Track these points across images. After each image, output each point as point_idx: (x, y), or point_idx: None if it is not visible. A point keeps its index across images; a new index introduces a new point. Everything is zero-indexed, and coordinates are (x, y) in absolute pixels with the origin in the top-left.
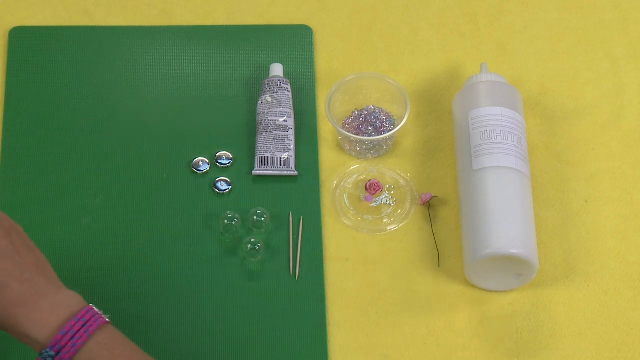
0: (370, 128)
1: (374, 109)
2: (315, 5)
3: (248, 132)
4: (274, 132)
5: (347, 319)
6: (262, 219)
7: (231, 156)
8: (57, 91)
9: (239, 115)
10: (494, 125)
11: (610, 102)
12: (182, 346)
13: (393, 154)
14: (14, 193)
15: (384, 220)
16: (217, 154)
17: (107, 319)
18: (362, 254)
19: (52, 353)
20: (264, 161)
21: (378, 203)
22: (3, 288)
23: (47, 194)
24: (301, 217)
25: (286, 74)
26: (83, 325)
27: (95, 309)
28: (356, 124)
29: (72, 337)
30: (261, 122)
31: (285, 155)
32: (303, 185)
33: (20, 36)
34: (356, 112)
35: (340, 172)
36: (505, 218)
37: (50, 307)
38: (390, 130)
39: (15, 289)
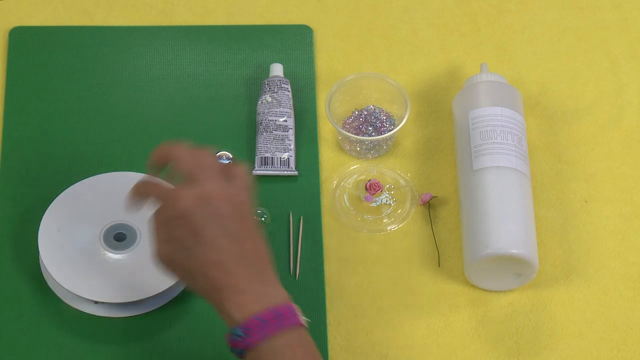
0: (370, 128)
1: (374, 109)
2: (315, 5)
3: (248, 132)
4: (274, 132)
5: (347, 319)
6: (262, 219)
7: (231, 156)
8: (57, 91)
9: (239, 115)
10: (494, 125)
11: (610, 102)
12: (182, 346)
13: (393, 154)
14: (14, 193)
15: (384, 220)
16: (217, 154)
17: (303, 323)
18: (362, 254)
19: (240, 333)
20: (264, 161)
21: (378, 203)
22: (224, 269)
23: (47, 194)
24: (301, 217)
25: (286, 74)
26: (276, 319)
27: (298, 311)
28: (356, 124)
29: (263, 325)
30: (261, 122)
31: (285, 155)
32: (303, 185)
33: (20, 36)
34: (356, 112)
35: (340, 172)
36: (505, 218)
37: (255, 295)
38: (390, 130)
39: (232, 272)
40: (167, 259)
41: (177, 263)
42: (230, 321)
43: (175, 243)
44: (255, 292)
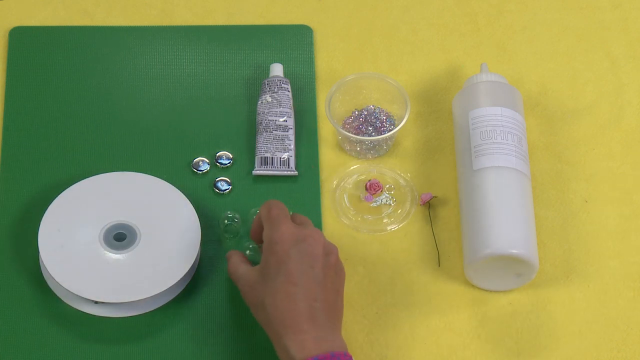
0: (370, 128)
1: (374, 109)
2: (315, 5)
3: (248, 132)
4: (274, 132)
5: (347, 319)
6: None
7: (231, 156)
8: (57, 91)
9: (239, 115)
10: (494, 125)
11: (610, 102)
12: (182, 346)
13: (393, 154)
14: (14, 193)
15: (384, 220)
16: (217, 154)
17: None
18: (362, 254)
19: None
20: (264, 161)
21: (378, 203)
22: (294, 305)
23: (47, 194)
24: None
25: (286, 74)
26: None
27: None
28: (356, 124)
29: None
30: (261, 122)
31: (285, 155)
32: (303, 185)
33: (20, 36)
34: (356, 112)
35: (340, 172)
36: (506, 218)
37: (315, 338)
38: (390, 130)
39: (300, 310)
40: (246, 278)
41: (254, 286)
42: (286, 358)
43: (261, 267)
44: (316, 335)
